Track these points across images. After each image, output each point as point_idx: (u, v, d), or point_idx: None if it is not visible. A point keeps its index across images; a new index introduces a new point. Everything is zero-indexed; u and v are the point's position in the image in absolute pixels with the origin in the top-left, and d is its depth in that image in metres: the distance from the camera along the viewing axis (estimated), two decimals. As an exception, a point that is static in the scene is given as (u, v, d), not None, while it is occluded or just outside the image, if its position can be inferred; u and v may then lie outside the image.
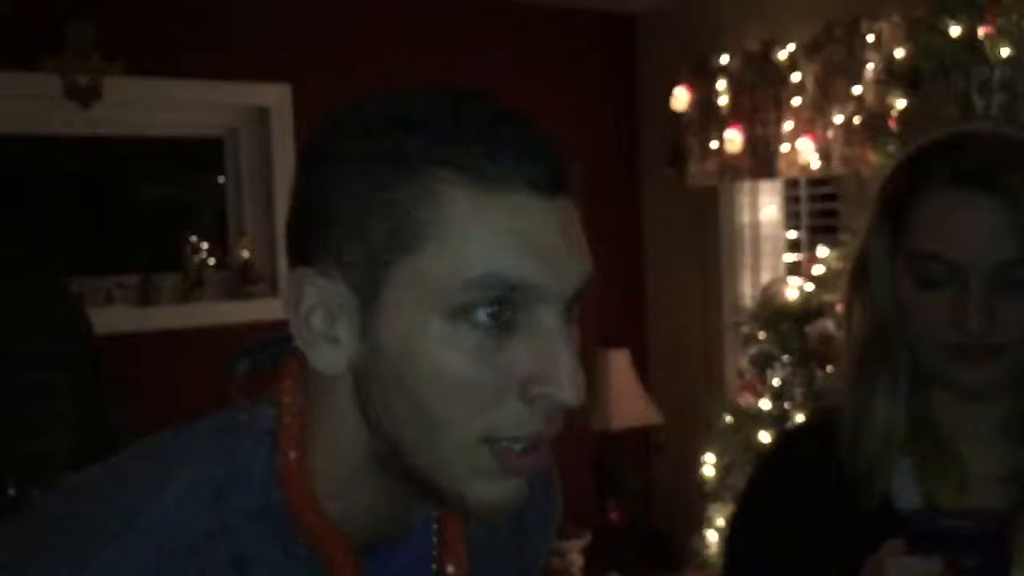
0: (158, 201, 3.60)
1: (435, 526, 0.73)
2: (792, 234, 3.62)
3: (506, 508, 0.64)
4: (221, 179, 3.50)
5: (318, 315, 0.63)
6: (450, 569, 0.72)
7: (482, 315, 0.60)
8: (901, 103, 1.97)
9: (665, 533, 3.69)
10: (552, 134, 0.67)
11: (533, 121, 0.66)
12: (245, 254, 3.36)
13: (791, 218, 3.65)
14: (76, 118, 3.10)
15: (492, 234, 0.60)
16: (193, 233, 3.47)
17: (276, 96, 3.35)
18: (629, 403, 3.63)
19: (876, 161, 1.95)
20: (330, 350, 0.63)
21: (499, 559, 0.77)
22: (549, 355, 0.61)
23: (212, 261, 3.40)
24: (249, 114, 3.40)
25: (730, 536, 1.11)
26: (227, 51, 3.26)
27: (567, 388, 0.60)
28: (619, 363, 3.66)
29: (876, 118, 2.11)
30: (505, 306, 0.60)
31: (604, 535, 3.57)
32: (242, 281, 3.34)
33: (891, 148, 1.87)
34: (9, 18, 2.94)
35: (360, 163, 0.61)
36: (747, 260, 3.71)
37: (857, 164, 2.17)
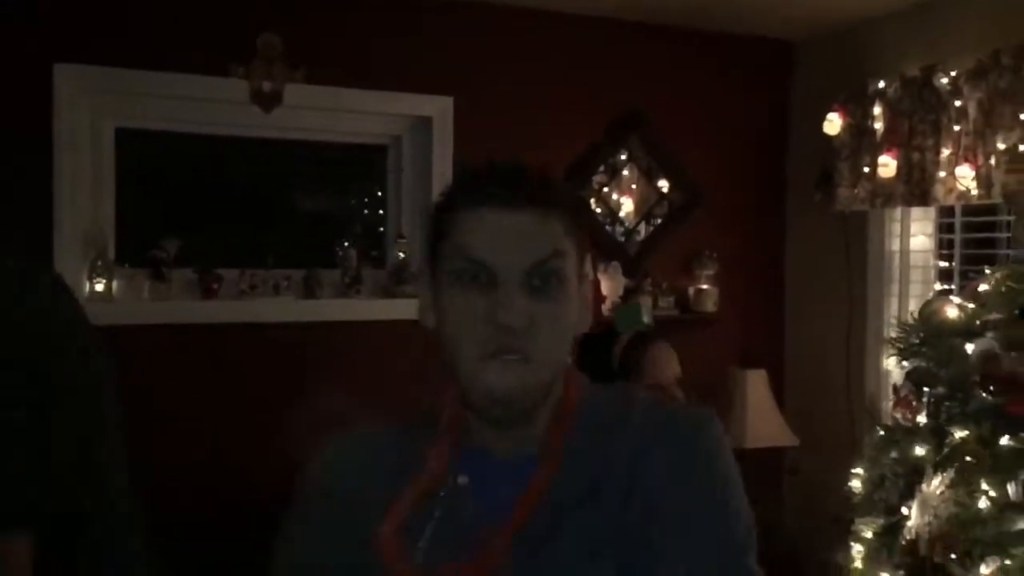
0: (323, 204, 3.83)
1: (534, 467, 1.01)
2: (943, 264, 3.56)
3: (498, 387, 0.96)
4: (378, 192, 3.72)
5: (422, 294, 1.06)
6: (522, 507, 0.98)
7: (466, 276, 0.98)
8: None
9: (794, 557, 3.65)
10: (537, 175, 1.01)
11: (523, 170, 1.01)
12: (401, 255, 3.53)
13: (943, 247, 3.59)
14: (258, 122, 3.35)
15: (470, 232, 0.98)
16: (352, 235, 3.69)
17: (439, 107, 3.53)
18: (764, 423, 3.62)
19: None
20: (427, 315, 1.04)
21: (604, 497, 0.99)
22: (501, 300, 0.95)
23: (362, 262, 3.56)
24: (413, 123, 3.59)
25: None
26: (397, 65, 3.46)
27: (505, 312, 0.95)
28: (756, 382, 3.67)
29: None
30: (479, 271, 0.97)
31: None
32: (396, 280, 3.52)
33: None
34: (204, 26, 3.21)
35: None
36: (895, 288, 3.66)
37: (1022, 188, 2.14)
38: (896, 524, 2.07)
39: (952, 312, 2.17)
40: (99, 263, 3.17)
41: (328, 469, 1.09)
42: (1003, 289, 2.05)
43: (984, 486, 1.90)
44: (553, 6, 3.62)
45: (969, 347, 2.06)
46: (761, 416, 3.63)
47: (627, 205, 3.89)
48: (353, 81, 3.41)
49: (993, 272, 2.17)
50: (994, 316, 2.06)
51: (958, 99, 3.19)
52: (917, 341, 2.14)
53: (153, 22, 3.15)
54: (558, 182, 1.02)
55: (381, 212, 3.75)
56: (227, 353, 3.27)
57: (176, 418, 3.15)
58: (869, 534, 2.15)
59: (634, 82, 3.79)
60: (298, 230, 3.69)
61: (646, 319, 3.38)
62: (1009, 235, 3.09)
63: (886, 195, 3.47)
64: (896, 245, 3.68)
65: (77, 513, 1.03)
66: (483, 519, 0.98)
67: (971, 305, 2.14)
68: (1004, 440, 1.91)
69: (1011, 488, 1.84)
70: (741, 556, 1.03)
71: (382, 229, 3.74)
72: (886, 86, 3.46)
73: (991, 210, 3.28)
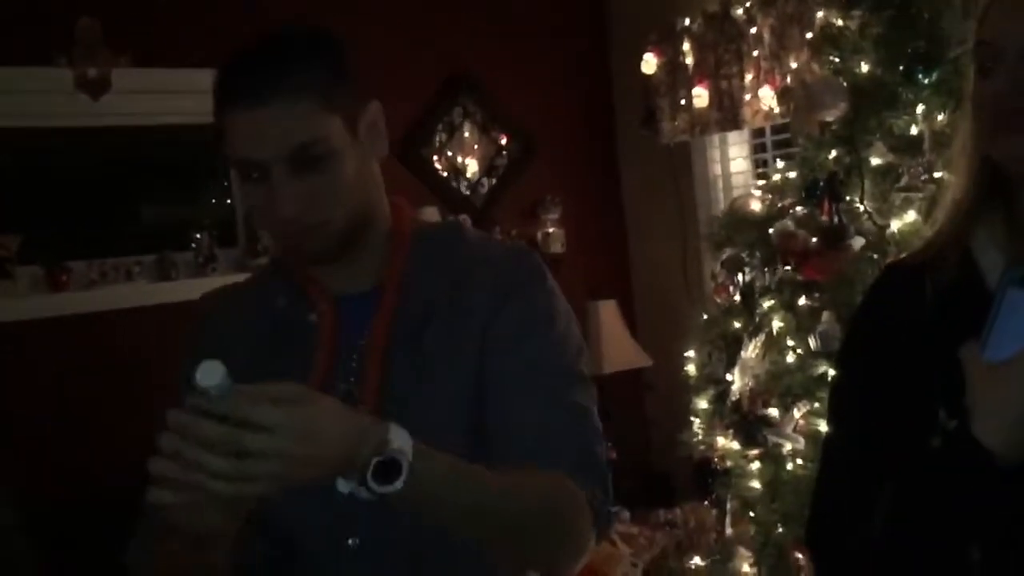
0: (171, 187, 3.82)
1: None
2: (761, 182, 3.87)
3: (301, 255, 1.13)
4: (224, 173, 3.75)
5: None
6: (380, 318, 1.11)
7: (244, 173, 1.06)
8: (839, 22, 2.22)
9: (663, 471, 3.92)
10: (278, 60, 1.06)
11: (263, 59, 1.06)
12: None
13: (760, 167, 3.91)
14: (87, 110, 3.33)
15: (232, 134, 1.05)
16: (201, 215, 3.71)
17: (272, 80, 3.58)
18: (619, 349, 3.86)
19: (820, 72, 2.20)
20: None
21: (442, 315, 1.12)
22: (274, 193, 1.04)
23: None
24: (249, 98, 3.62)
25: (838, 363, 1.17)
26: (225, 39, 3.48)
27: (279, 205, 1.04)
28: (607, 313, 3.90)
29: (817, 34, 2.36)
30: (252, 170, 1.05)
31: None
32: (251, 254, 3.58)
33: (833, 58, 2.13)
34: (22, 15, 3.17)
35: None
36: (721, 209, 3.95)
37: (803, 75, 2.42)
38: (724, 392, 2.32)
39: (756, 205, 2.43)
40: (-64, 267, 3.10)
41: (207, 329, 1.22)
42: (792, 176, 2.31)
43: (790, 343, 2.16)
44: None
45: (770, 231, 2.32)
46: (615, 343, 3.87)
47: (471, 163, 4.04)
48: (183, 61, 3.42)
49: (786, 165, 2.44)
50: (788, 201, 2.32)
51: (753, 27, 3.50)
52: (727, 234, 2.39)
53: (-37, 15, 3.09)
54: (302, 54, 1.06)
55: (225, 182, 3.76)
56: (84, 343, 3.25)
57: (38, 413, 3.12)
58: (704, 404, 2.39)
59: (459, 40, 3.94)
60: (147, 216, 3.68)
61: None
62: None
63: (703, 124, 3.76)
64: (718, 170, 3.99)
65: None
66: (353, 348, 1.11)
67: (770, 196, 2.41)
68: (802, 301, 2.18)
69: (812, 341, 2.11)
70: (568, 387, 1.11)
71: (229, 202, 3.77)
72: (691, 23, 3.74)
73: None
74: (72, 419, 3.19)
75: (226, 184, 3.75)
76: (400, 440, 0.87)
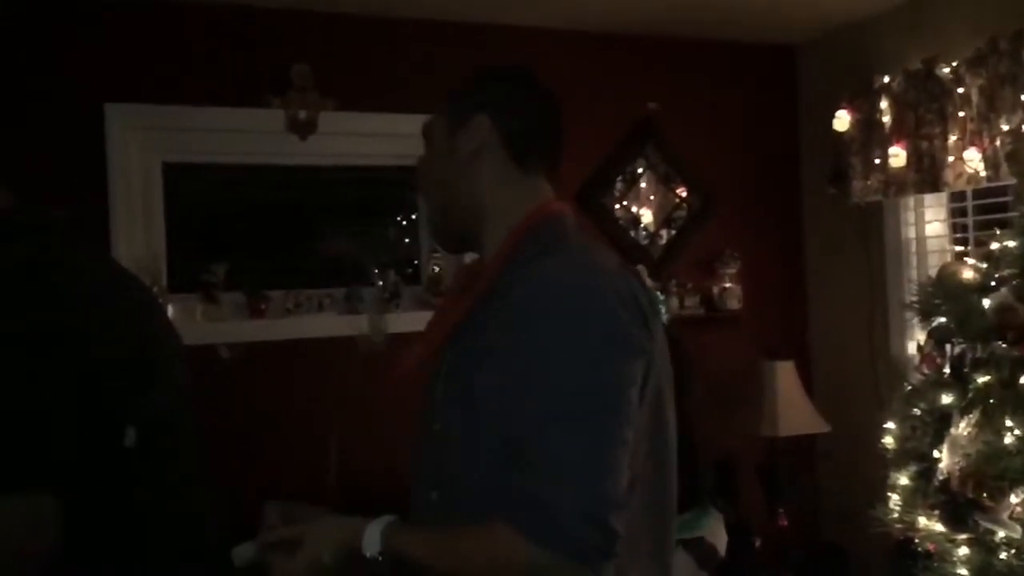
0: (361, 224, 4.00)
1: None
2: (958, 248, 3.68)
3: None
4: (412, 212, 3.91)
5: None
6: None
7: None
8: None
9: (832, 542, 3.74)
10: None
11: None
12: (436, 269, 3.70)
13: (958, 232, 3.72)
14: (294, 149, 3.54)
15: None
16: (389, 253, 3.87)
17: (464, 126, 3.71)
18: (794, 413, 3.73)
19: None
20: None
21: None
22: None
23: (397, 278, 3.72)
24: (441, 142, 3.76)
25: None
26: (424, 88, 3.65)
27: None
28: (784, 374, 3.78)
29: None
30: None
31: (774, 541, 3.66)
32: (433, 293, 3.68)
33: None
34: (239, 60, 3.42)
35: None
36: (913, 274, 3.78)
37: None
38: (928, 469, 2.19)
39: (968, 273, 2.31)
40: (155, 290, 3.35)
41: None
42: (1013, 245, 2.18)
43: (1008, 423, 2.02)
44: (562, 24, 3.82)
45: (985, 302, 2.19)
46: (792, 406, 3.74)
47: (646, 213, 4.04)
48: (381, 106, 3.60)
49: (1004, 233, 2.31)
50: (1007, 272, 2.19)
51: (960, 87, 3.35)
52: (937, 302, 2.27)
53: (193, 60, 3.36)
54: (460, 88, 1.46)
55: (414, 221, 3.91)
56: (277, 368, 3.43)
57: (233, 430, 3.30)
58: (904, 481, 2.27)
59: (645, 92, 3.97)
60: (338, 250, 3.87)
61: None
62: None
63: (899, 184, 3.61)
64: (912, 233, 3.81)
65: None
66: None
67: (984, 265, 2.28)
68: (1023, 380, 2.04)
69: (1033, 423, 1.97)
70: (539, 438, 1.14)
71: (416, 244, 3.90)
72: (890, 80, 3.63)
73: (1001, 191, 3.41)
74: (260, 438, 3.36)
75: (415, 219, 3.90)
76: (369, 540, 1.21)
